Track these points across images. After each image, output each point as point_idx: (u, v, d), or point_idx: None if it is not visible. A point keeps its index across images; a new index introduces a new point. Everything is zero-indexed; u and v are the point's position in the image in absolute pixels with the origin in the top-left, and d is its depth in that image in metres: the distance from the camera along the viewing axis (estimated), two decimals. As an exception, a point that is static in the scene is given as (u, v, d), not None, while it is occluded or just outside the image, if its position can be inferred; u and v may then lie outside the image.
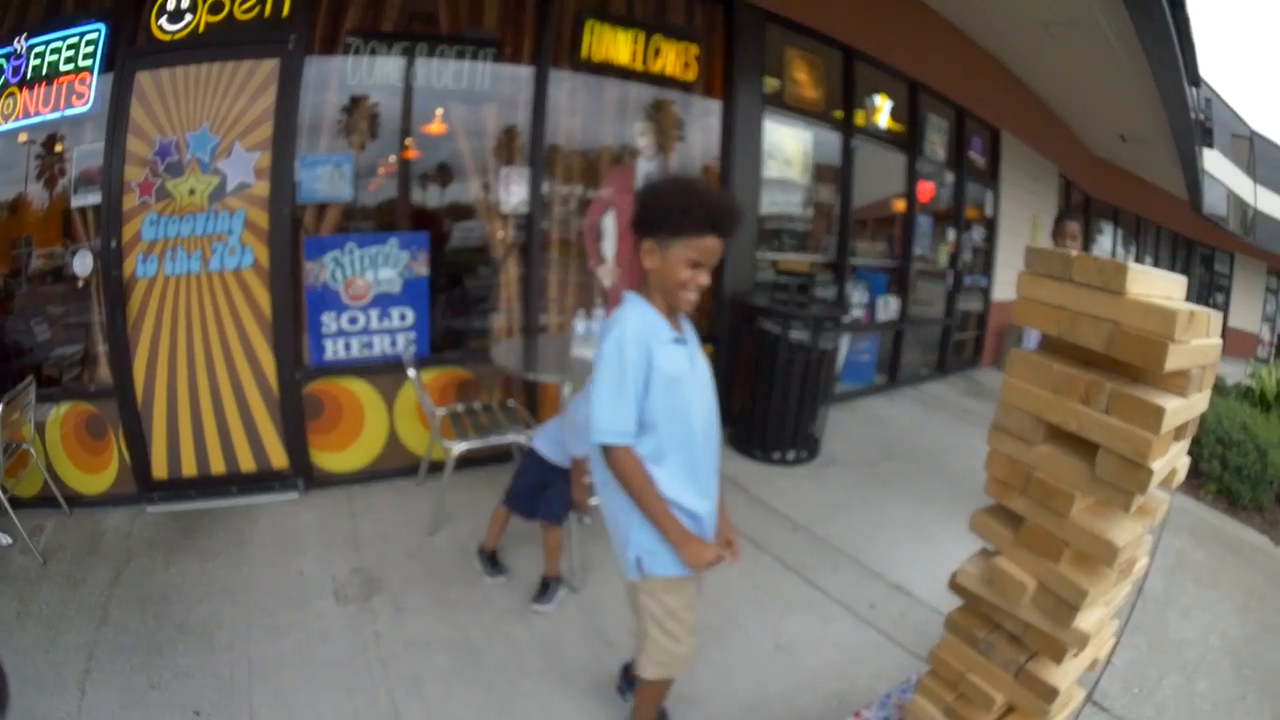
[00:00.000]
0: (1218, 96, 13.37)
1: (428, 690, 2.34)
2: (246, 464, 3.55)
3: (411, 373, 3.28)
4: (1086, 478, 1.51)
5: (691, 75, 4.47)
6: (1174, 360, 1.41)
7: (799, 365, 4.38)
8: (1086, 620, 1.63)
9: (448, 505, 3.40)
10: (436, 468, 3.44)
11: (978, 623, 1.79)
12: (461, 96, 3.81)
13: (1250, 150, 16.29)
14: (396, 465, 3.83)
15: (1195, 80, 6.68)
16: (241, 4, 3.26)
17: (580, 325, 3.65)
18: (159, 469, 3.44)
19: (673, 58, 4.36)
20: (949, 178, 7.24)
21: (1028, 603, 1.63)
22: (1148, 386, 1.51)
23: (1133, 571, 1.82)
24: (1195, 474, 5.87)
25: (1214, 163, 12.91)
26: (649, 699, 2.09)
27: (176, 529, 3.16)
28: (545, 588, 2.85)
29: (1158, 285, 1.57)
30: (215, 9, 3.25)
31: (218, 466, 3.51)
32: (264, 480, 3.57)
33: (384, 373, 3.74)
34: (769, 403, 4.44)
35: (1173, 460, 1.63)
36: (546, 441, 2.84)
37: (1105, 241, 13.44)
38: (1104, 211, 13.51)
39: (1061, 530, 1.56)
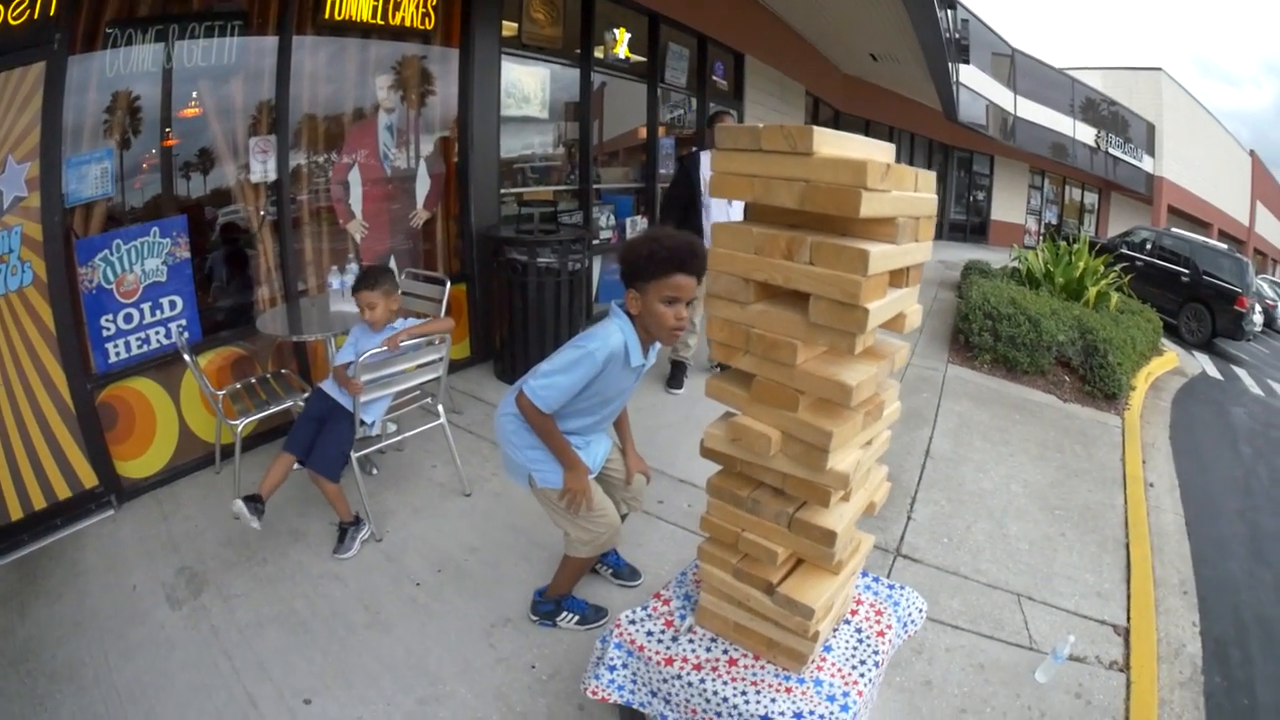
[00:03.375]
0: (977, 18, 14.57)
1: (272, 669, 2.42)
2: (62, 491, 3.34)
3: (187, 358, 3.24)
4: (804, 327, 1.61)
5: (430, 24, 4.55)
6: (870, 207, 1.49)
7: (550, 289, 4.58)
8: (842, 461, 1.76)
9: (245, 485, 3.38)
10: (231, 452, 3.42)
11: (738, 483, 1.89)
12: (213, 72, 3.70)
13: (1011, 66, 18.17)
14: (194, 458, 3.75)
15: (950, 3, 7.20)
16: (15, 8, 2.96)
17: (336, 281, 3.80)
18: (-10, 520, 3.20)
19: (412, 9, 4.44)
20: (693, 102, 7.66)
21: (776, 453, 1.74)
22: (855, 237, 1.62)
23: (883, 414, 1.96)
24: (968, 347, 6.49)
25: (973, 77, 14.22)
26: (572, 567, 2.48)
27: (20, 578, 3.01)
28: (342, 535, 2.99)
29: (854, 147, 1.67)
30: (-8, 18, 2.95)
31: (39, 501, 3.27)
32: (82, 504, 3.39)
33: (164, 366, 3.62)
34: (527, 330, 4.62)
35: (897, 305, 1.76)
36: (330, 383, 3.09)
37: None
38: (854, 125, 14.54)
39: (792, 379, 1.67)
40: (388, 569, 2.90)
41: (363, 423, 3.00)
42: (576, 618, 2.59)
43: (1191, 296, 12.10)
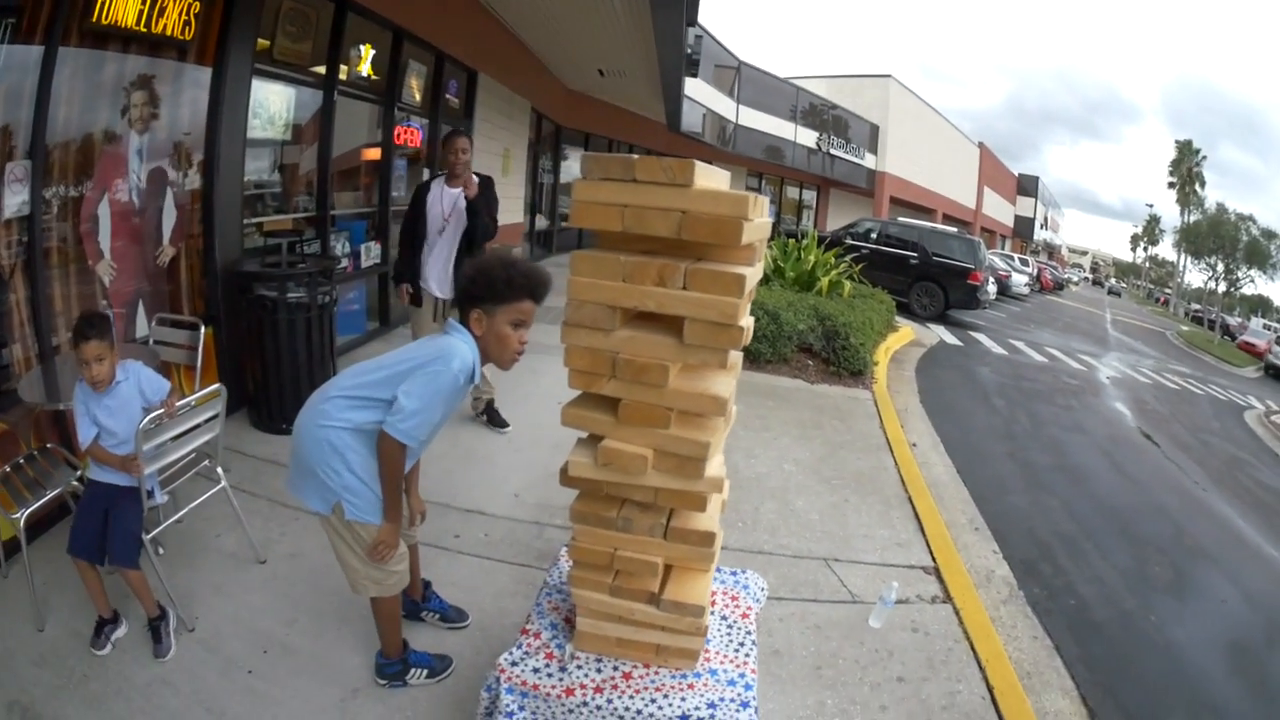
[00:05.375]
0: (708, 33, 15.79)
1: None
2: None
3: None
4: (675, 348, 1.72)
5: (190, 34, 4.04)
6: (747, 235, 1.65)
7: (301, 326, 4.30)
8: (713, 467, 1.88)
9: (41, 588, 2.76)
10: (16, 548, 2.76)
11: (603, 505, 1.93)
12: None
13: (737, 77, 19.80)
14: (-22, 562, 2.98)
15: (693, 20, 7.69)
16: None
17: None
18: None
19: (175, 16, 3.91)
20: (425, 121, 7.62)
21: (651, 470, 1.82)
22: (717, 262, 1.76)
23: (731, 418, 2.14)
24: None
25: (697, 89, 15.35)
26: (384, 615, 2.36)
27: None
28: (156, 633, 2.59)
29: (715, 179, 1.84)
30: None
31: None
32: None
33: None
34: (280, 371, 4.30)
35: (748, 320, 1.95)
36: (99, 470, 2.61)
37: (574, 164, 15.19)
38: (574, 138, 15.15)
39: (662, 399, 1.76)
40: (213, 661, 2.57)
41: (149, 494, 2.61)
42: (425, 671, 2.49)
43: (922, 276, 13.61)
